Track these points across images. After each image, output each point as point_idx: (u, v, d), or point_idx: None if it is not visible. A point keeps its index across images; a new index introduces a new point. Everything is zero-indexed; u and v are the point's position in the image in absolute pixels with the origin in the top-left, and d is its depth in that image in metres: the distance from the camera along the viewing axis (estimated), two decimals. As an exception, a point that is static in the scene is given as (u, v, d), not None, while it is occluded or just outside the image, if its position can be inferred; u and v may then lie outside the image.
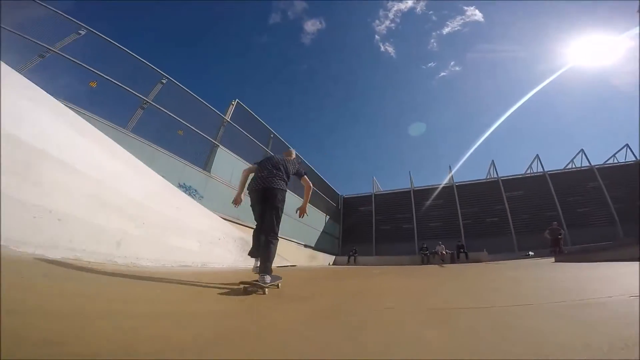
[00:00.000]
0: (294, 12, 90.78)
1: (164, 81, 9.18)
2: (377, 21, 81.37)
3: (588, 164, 20.31)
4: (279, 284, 2.76)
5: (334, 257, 15.58)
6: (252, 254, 2.89)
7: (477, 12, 69.04)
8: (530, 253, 15.55)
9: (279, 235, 2.68)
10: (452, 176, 22.70)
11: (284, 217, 2.80)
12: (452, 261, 14.51)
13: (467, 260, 14.21)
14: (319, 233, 18.13)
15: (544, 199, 19.55)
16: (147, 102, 8.41)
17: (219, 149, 10.56)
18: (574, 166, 21.42)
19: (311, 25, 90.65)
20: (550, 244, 12.70)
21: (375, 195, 23.49)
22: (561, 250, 12.15)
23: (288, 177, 2.99)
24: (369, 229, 22.03)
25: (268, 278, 2.32)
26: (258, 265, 2.59)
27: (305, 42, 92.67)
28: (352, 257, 15.56)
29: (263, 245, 2.55)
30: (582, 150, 20.66)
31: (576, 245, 15.85)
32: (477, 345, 1.03)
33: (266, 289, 2.30)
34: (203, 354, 0.87)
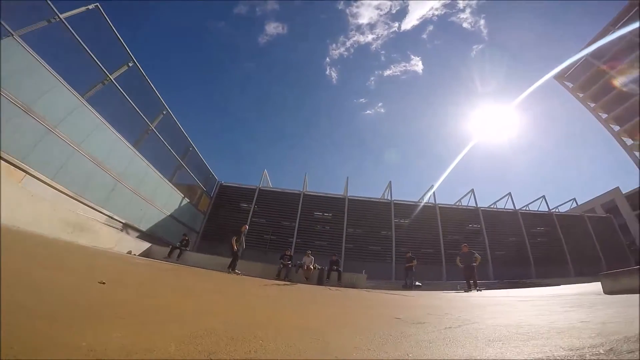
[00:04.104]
0: (262, 10, 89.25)
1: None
2: (334, 45, 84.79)
3: (474, 205, 21.64)
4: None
5: (150, 245, 11.34)
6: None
7: (420, 63, 76.99)
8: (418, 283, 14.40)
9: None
10: (346, 188, 21.52)
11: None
12: (320, 280, 12.12)
13: (339, 281, 11.94)
14: (163, 216, 13.88)
15: (429, 232, 19.77)
16: None
17: None
18: (460, 204, 22.73)
19: (273, 28, 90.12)
20: (464, 274, 11.15)
21: (260, 190, 20.35)
22: (475, 282, 10.66)
23: None
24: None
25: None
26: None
27: (260, 42, 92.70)
28: (177, 251, 11.64)
29: None
30: (509, 194, 22.29)
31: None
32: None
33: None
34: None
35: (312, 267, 12.23)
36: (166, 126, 13.59)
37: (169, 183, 14.18)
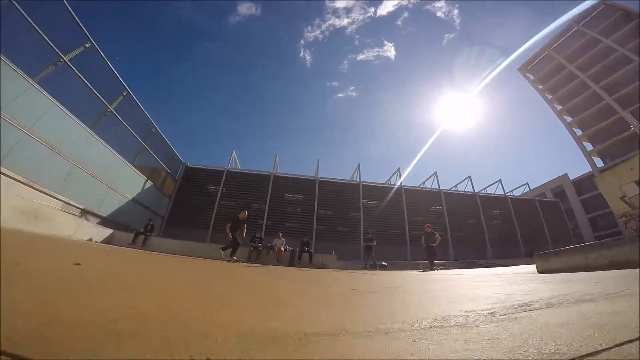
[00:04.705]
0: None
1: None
2: (309, 27, 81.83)
3: (437, 188, 22.79)
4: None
5: (112, 231, 10.93)
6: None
7: (392, 49, 76.84)
8: (384, 263, 15.09)
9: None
10: (317, 169, 21.71)
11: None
12: (291, 262, 12.36)
13: (311, 262, 12.26)
14: (125, 200, 13.31)
15: (395, 213, 20.65)
16: None
17: None
18: (424, 186, 23.83)
19: (246, 9, 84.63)
20: (425, 253, 11.68)
21: (228, 171, 19.95)
22: (432, 262, 11.20)
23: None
24: (210, 212, 18.29)
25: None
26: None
27: (231, 22, 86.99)
28: (142, 237, 11.33)
29: None
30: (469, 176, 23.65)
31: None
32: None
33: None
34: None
35: (283, 249, 12.23)
36: (127, 108, 12.90)
37: (131, 166, 13.52)
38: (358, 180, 21.85)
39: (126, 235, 11.05)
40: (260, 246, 12.35)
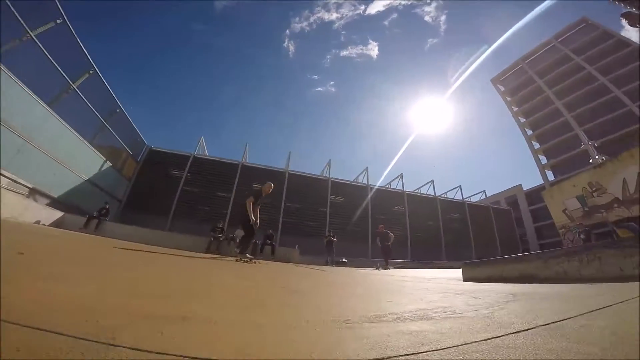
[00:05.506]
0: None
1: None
2: (297, 18, 79.71)
3: (401, 189, 23.78)
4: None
5: (62, 214, 10.47)
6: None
7: (376, 48, 77.19)
8: (344, 260, 15.65)
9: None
10: (288, 162, 21.83)
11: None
12: (253, 254, 12.43)
13: (273, 255, 12.48)
14: (80, 181, 12.72)
15: (360, 211, 21.33)
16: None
17: None
18: (390, 187, 24.77)
19: None
20: (381, 252, 12.10)
21: (194, 157, 19.52)
22: (387, 262, 11.62)
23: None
24: (172, 198, 17.86)
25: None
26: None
27: (217, 7, 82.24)
28: (96, 221, 10.99)
29: None
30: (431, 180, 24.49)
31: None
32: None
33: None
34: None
35: None
36: (92, 86, 12.57)
37: (89, 145, 12.91)
38: (328, 175, 22.27)
39: (78, 219, 10.67)
40: (221, 237, 12.40)
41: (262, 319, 1.35)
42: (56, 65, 10.20)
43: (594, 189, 14.09)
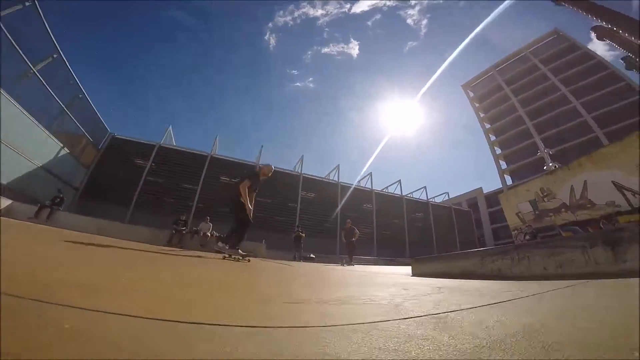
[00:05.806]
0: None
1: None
2: (281, 12, 78.12)
3: (370, 188, 24.42)
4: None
5: (11, 202, 9.84)
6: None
7: (357, 47, 77.66)
8: (312, 255, 15.88)
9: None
10: (260, 156, 21.74)
11: None
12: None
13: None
14: (33, 167, 11.98)
15: (329, 207, 21.70)
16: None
17: None
18: (359, 185, 25.37)
19: None
20: (346, 248, 12.35)
21: (160, 147, 18.86)
22: (351, 258, 11.87)
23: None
24: (134, 188, 17.19)
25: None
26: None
27: None
28: (48, 210, 10.45)
29: None
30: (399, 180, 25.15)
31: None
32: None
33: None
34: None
35: (209, 235, 11.97)
36: (54, 71, 12.23)
37: (44, 129, 12.17)
38: (299, 171, 22.39)
39: (28, 208, 10.11)
40: (184, 230, 12.09)
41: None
42: (17, 46, 9.72)
43: (545, 194, 15.31)
